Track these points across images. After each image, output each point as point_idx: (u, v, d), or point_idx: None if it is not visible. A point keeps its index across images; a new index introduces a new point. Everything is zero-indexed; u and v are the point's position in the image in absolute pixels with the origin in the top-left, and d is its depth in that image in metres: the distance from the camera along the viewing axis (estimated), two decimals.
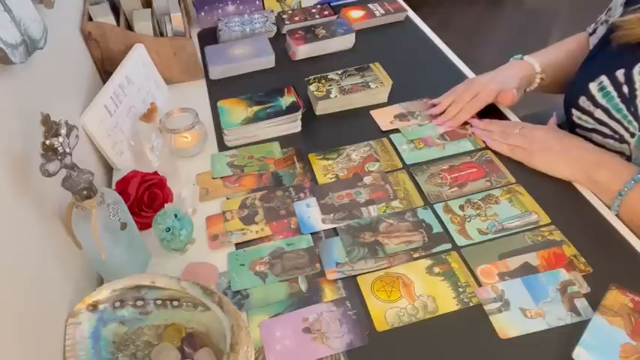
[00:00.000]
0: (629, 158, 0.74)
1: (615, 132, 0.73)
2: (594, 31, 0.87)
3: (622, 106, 0.71)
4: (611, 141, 0.74)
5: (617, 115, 0.72)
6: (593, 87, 0.74)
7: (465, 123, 0.86)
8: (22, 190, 0.53)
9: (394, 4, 1.22)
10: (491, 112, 0.89)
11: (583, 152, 0.72)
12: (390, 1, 1.23)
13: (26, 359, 0.47)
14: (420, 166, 0.80)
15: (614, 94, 0.72)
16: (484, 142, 0.82)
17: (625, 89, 0.70)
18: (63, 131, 0.52)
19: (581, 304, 0.59)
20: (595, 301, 0.59)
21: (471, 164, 0.79)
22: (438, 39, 1.13)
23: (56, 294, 0.57)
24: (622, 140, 0.73)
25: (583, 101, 0.76)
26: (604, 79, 0.73)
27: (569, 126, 0.83)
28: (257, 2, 1.22)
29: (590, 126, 0.77)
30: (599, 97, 0.74)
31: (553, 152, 0.74)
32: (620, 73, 0.71)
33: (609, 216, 0.69)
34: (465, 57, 1.07)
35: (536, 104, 1.10)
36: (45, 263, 0.55)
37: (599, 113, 0.74)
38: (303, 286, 0.65)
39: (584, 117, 0.77)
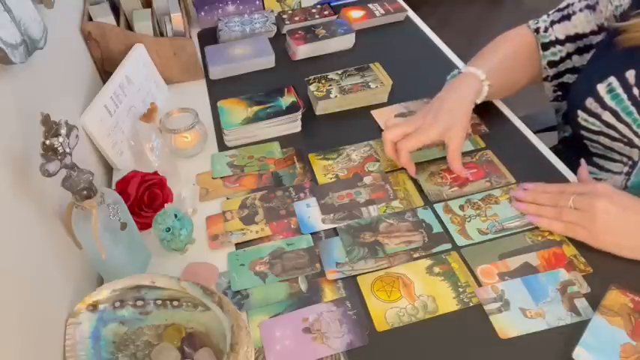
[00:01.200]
0: (634, 164, 0.72)
1: (623, 135, 0.71)
2: (567, 17, 0.81)
3: (632, 108, 0.69)
4: (620, 144, 0.73)
5: (627, 119, 0.70)
6: (601, 88, 0.71)
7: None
8: (22, 190, 0.53)
9: (394, 4, 1.22)
10: (489, 110, 0.89)
11: None
12: (390, 1, 1.23)
13: (26, 359, 0.47)
14: (421, 164, 0.79)
15: (624, 96, 0.69)
16: (531, 221, 0.69)
17: (635, 91, 0.68)
18: (63, 131, 0.52)
19: (581, 304, 0.59)
20: (595, 301, 0.59)
21: (472, 164, 0.79)
22: (437, 39, 1.13)
23: (56, 294, 0.57)
24: (631, 144, 0.71)
25: (590, 103, 0.73)
26: (613, 80, 0.70)
27: (573, 128, 0.81)
28: (257, 2, 1.22)
29: (596, 129, 0.74)
30: (607, 98, 0.71)
31: (622, 233, 0.62)
32: (630, 75, 0.69)
33: None
34: (465, 56, 1.07)
35: (536, 104, 1.10)
36: (45, 263, 0.55)
37: (607, 115, 0.72)
38: (303, 286, 0.65)
39: (591, 119, 0.74)
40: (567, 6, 0.82)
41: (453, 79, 0.81)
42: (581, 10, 0.80)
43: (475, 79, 0.78)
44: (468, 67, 0.81)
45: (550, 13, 0.85)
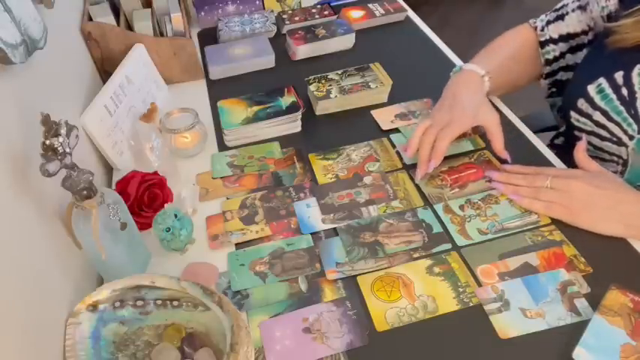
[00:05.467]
0: (625, 162, 0.73)
1: (613, 134, 0.72)
2: (561, 17, 0.83)
3: (622, 108, 0.70)
4: (608, 143, 0.74)
5: (617, 118, 0.71)
6: (591, 89, 0.73)
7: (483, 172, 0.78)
8: (22, 190, 0.53)
9: (394, 4, 1.22)
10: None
11: (635, 207, 0.65)
12: (390, 1, 1.23)
13: (26, 359, 0.47)
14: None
15: (613, 96, 0.71)
16: (511, 198, 0.72)
17: (624, 91, 0.70)
18: (63, 131, 0.52)
19: (581, 304, 0.59)
20: (595, 301, 0.59)
21: (470, 165, 0.79)
22: (438, 39, 1.13)
23: (56, 294, 0.57)
24: (620, 143, 0.72)
25: (581, 103, 0.75)
26: (602, 81, 0.72)
27: (567, 128, 0.82)
28: (257, 2, 1.22)
29: (588, 128, 0.76)
30: (597, 99, 0.73)
31: (599, 209, 0.66)
32: (618, 75, 0.70)
33: None
34: (465, 56, 1.06)
35: (534, 104, 1.10)
36: (45, 263, 0.55)
37: (597, 116, 0.73)
38: (303, 286, 0.65)
39: (583, 119, 0.76)
40: (562, 6, 0.85)
41: (455, 76, 0.83)
42: (573, 11, 0.82)
43: (475, 75, 0.80)
44: (468, 64, 0.83)
45: (548, 13, 0.87)
